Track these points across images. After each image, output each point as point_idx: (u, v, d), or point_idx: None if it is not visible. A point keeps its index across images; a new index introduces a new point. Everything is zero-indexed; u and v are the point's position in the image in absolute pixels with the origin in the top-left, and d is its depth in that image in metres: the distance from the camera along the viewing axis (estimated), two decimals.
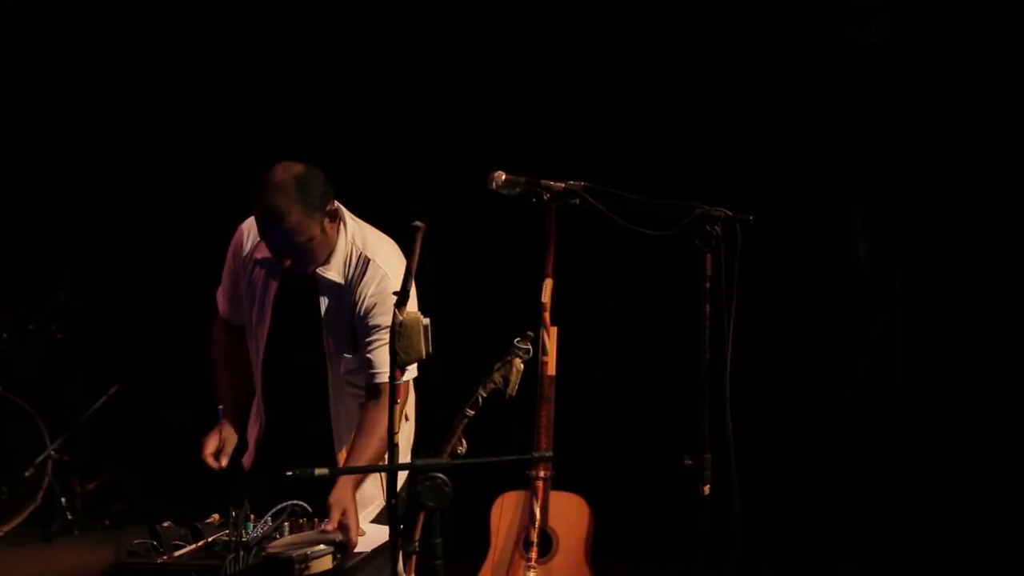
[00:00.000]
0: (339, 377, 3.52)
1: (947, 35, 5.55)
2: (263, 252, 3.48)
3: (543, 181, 3.80)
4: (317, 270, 3.43)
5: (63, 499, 6.11)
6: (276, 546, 3.03)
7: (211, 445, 3.53)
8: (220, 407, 3.58)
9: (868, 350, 5.80)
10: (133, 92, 6.74)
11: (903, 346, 5.74)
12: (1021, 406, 5.50)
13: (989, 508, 5.43)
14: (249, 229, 3.58)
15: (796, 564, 5.48)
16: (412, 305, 3.10)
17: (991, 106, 5.52)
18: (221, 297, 3.72)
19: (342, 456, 3.46)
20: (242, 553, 2.99)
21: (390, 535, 2.92)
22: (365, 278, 3.45)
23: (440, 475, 2.66)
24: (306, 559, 2.90)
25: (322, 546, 2.96)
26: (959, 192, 5.60)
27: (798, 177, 5.86)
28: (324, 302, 3.48)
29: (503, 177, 3.82)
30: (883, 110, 5.71)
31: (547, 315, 3.89)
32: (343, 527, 3.16)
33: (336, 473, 3.48)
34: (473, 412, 3.47)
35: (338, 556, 2.96)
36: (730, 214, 3.50)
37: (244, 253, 3.58)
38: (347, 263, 3.47)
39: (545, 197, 3.80)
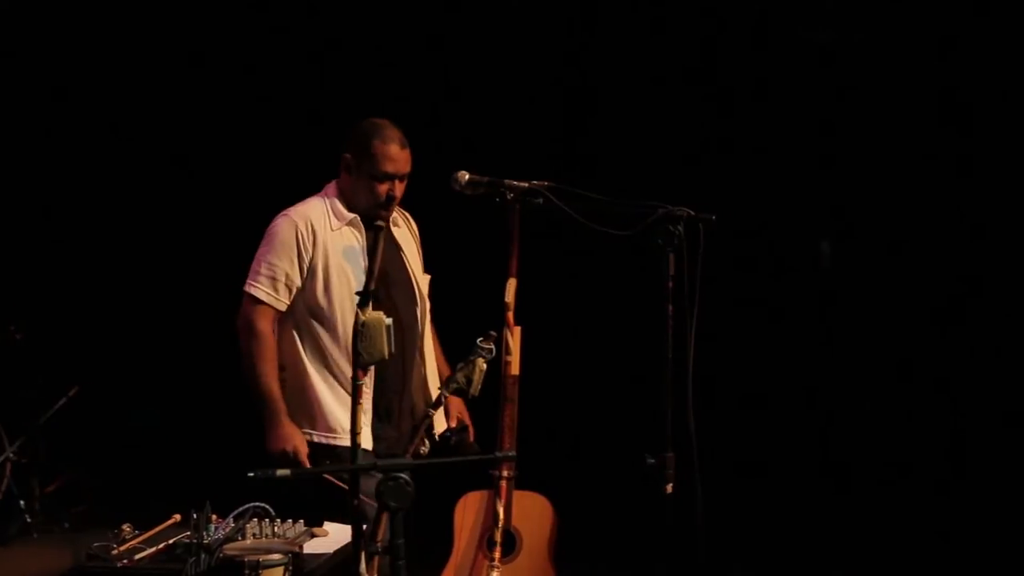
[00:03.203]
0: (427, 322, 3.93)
1: (913, 36, 5.60)
2: (343, 217, 3.78)
3: (506, 181, 3.81)
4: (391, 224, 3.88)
5: (21, 502, 6.04)
6: (233, 549, 3.00)
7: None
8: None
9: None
10: (98, 92, 6.66)
11: (868, 344, 5.79)
12: (987, 402, 5.57)
13: (959, 505, 5.48)
14: (314, 212, 3.78)
15: (760, 563, 5.50)
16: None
17: (959, 106, 5.57)
18: (275, 289, 3.75)
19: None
20: (203, 556, 2.97)
21: (352, 535, 2.90)
22: (411, 222, 4.03)
23: (403, 475, 2.66)
24: (257, 566, 2.88)
25: (277, 555, 2.93)
26: (925, 195, 5.63)
27: (762, 178, 5.89)
28: (404, 249, 3.93)
29: (466, 177, 3.83)
30: (852, 110, 5.75)
31: (511, 315, 3.89)
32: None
33: (300, 475, 3.46)
34: (435, 412, 3.47)
35: (290, 568, 2.93)
36: (693, 214, 3.51)
37: (325, 231, 3.76)
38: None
39: (508, 197, 3.81)
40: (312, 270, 3.76)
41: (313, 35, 6.29)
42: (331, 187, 3.88)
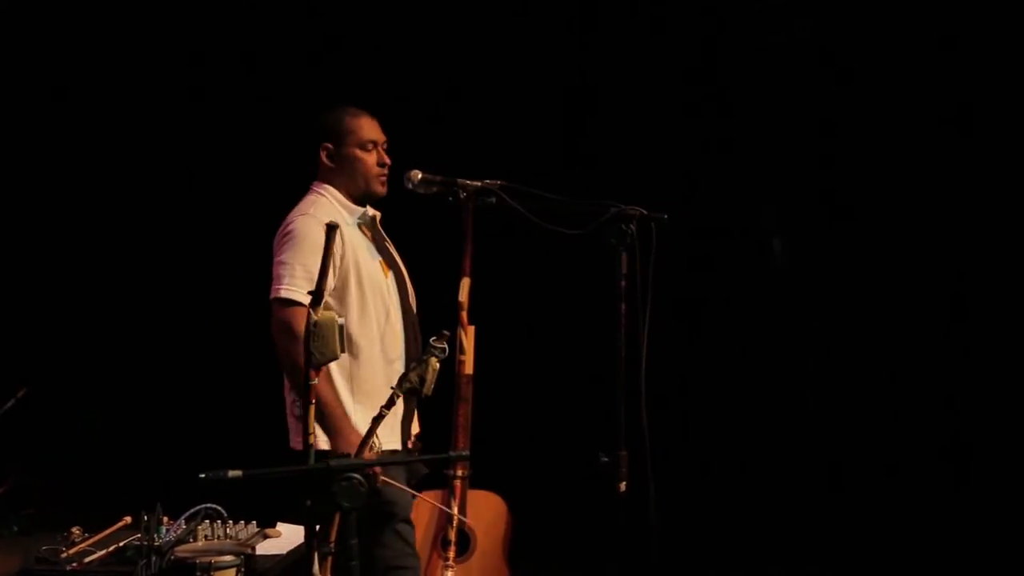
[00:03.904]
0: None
1: (863, 27, 5.64)
2: (353, 212, 3.69)
3: (459, 180, 3.82)
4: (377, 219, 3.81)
5: None
6: (185, 551, 2.99)
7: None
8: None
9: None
10: (40, 94, 6.57)
11: (819, 341, 5.83)
12: (939, 397, 5.62)
13: (906, 501, 5.52)
14: (330, 209, 3.63)
15: (712, 562, 5.53)
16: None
17: (906, 101, 5.61)
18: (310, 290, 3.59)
19: None
20: (154, 558, 2.95)
21: (305, 536, 2.89)
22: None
23: (356, 475, 2.65)
24: (209, 567, 2.86)
25: (229, 556, 2.92)
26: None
27: (711, 174, 5.91)
28: (388, 241, 3.85)
29: (419, 176, 3.84)
30: (796, 105, 5.78)
31: (464, 314, 3.90)
32: None
33: (251, 476, 3.44)
34: (388, 412, 3.46)
35: (243, 570, 2.92)
36: (645, 213, 3.54)
37: (344, 227, 3.58)
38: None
39: (462, 196, 3.83)
40: (344, 269, 3.60)
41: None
42: (319, 186, 3.72)
